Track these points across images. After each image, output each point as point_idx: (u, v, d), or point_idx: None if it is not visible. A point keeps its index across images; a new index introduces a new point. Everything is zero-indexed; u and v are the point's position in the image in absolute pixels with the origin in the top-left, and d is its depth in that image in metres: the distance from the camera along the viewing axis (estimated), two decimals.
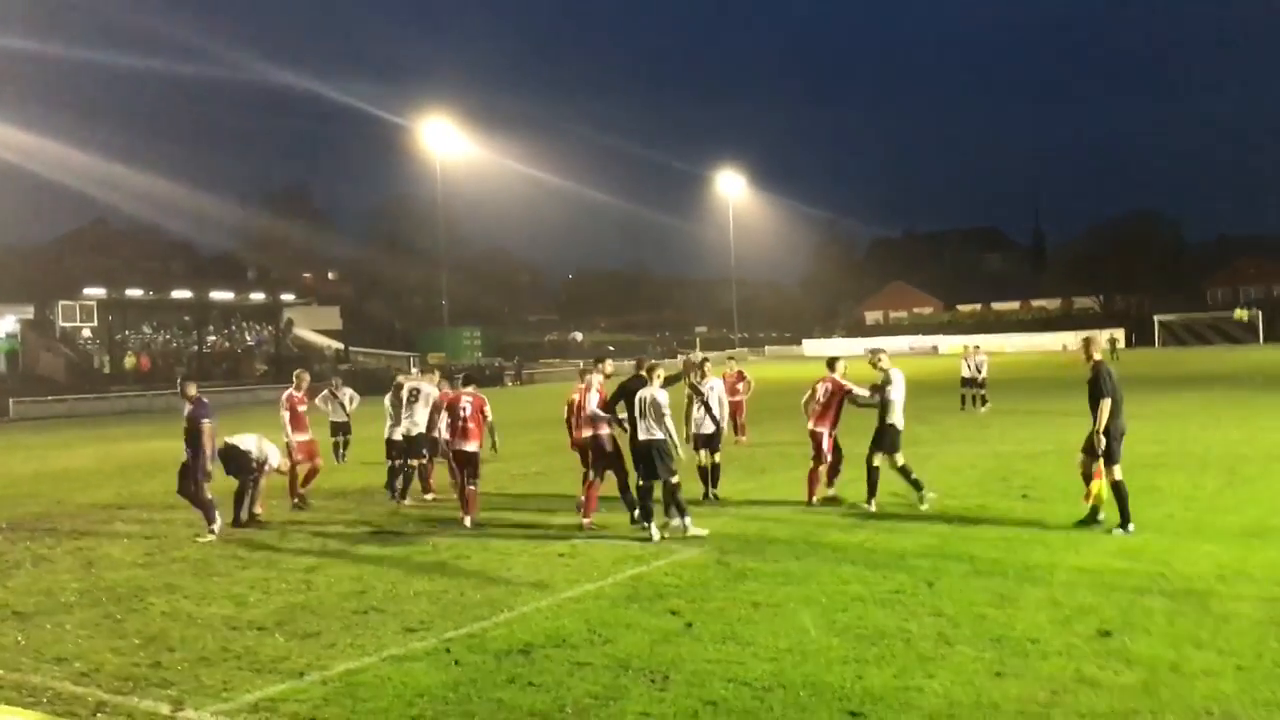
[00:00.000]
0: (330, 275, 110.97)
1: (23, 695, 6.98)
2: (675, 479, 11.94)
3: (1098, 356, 11.66)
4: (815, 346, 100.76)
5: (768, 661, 7.11)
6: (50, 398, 55.24)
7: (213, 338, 73.05)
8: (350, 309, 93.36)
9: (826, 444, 13.90)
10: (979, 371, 29.06)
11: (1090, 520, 11.42)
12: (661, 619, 8.31)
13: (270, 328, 77.09)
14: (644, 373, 12.50)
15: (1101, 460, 11.17)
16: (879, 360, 13.83)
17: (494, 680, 6.94)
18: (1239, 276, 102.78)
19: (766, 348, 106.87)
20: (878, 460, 13.26)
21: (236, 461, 14.18)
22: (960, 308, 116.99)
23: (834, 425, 13.97)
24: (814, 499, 13.82)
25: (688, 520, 11.86)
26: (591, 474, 12.95)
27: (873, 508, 13.07)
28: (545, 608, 8.84)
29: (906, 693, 6.38)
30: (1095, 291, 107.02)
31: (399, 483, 15.79)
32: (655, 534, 11.74)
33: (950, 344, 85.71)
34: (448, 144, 74.08)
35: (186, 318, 72.65)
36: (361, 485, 18.12)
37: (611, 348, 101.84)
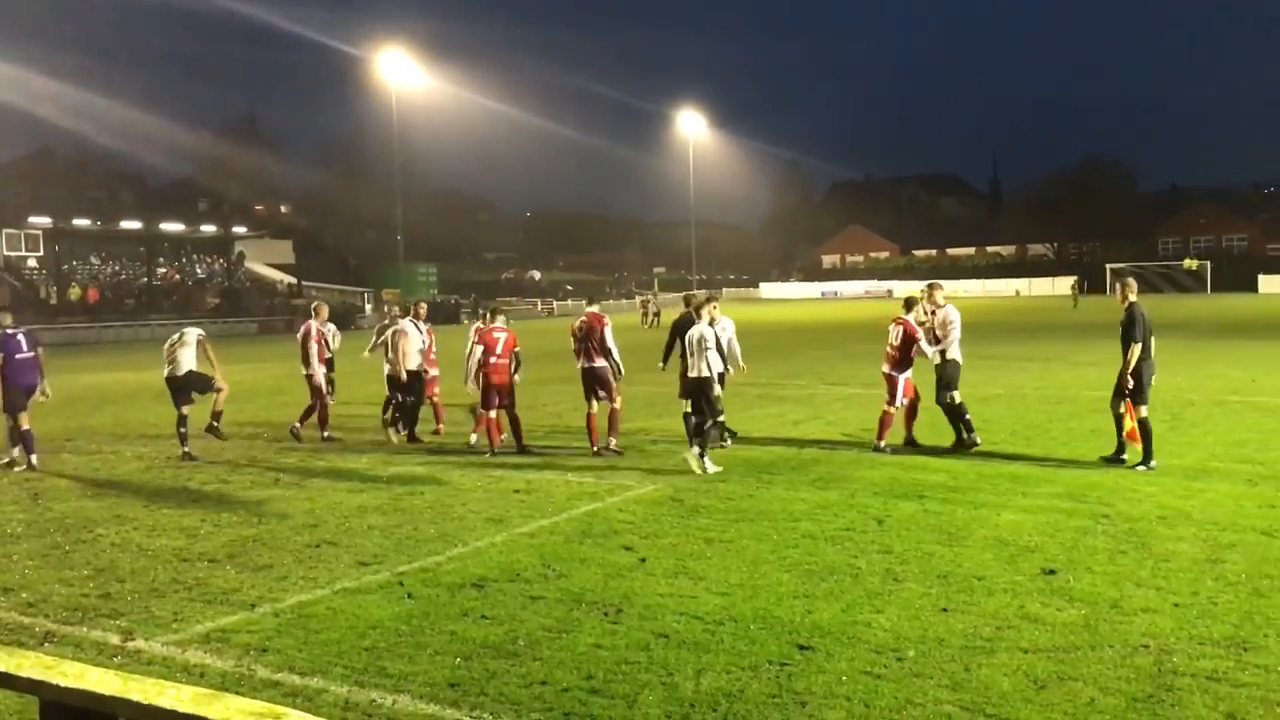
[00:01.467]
0: (283, 208, 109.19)
1: None
2: (720, 418, 12.24)
3: (1132, 299, 11.95)
4: (772, 290, 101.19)
5: (719, 596, 7.20)
6: None
7: (163, 270, 71.82)
8: (303, 243, 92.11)
9: (902, 388, 13.39)
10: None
11: (1116, 458, 11.80)
12: (615, 554, 8.38)
13: (222, 260, 75.96)
14: (693, 310, 12.67)
15: (1130, 400, 11.57)
16: (934, 296, 13.66)
17: (447, 613, 6.97)
18: (1190, 226, 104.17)
19: (724, 290, 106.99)
20: (948, 397, 13.15)
21: (201, 381, 14.44)
22: (916, 253, 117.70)
23: (908, 367, 13.53)
24: (883, 443, 13.13)
25: (707, 460, 11.86)
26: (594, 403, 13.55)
27: (979, 441, 12.97)
28: (499, 543, 8.88)
29: (855, 627, 6.50)
30: (1049, 239, 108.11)
31: (392, 416, 15.46)
32: (710, 468, 11.74)
33: (904, 289, 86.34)
34: (404, 75, 72.74)
35: (138, 249, 71.32)
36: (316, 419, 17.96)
37: (570, 286, 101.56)
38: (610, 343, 13.54)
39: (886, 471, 11.66)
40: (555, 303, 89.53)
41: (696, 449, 11.96)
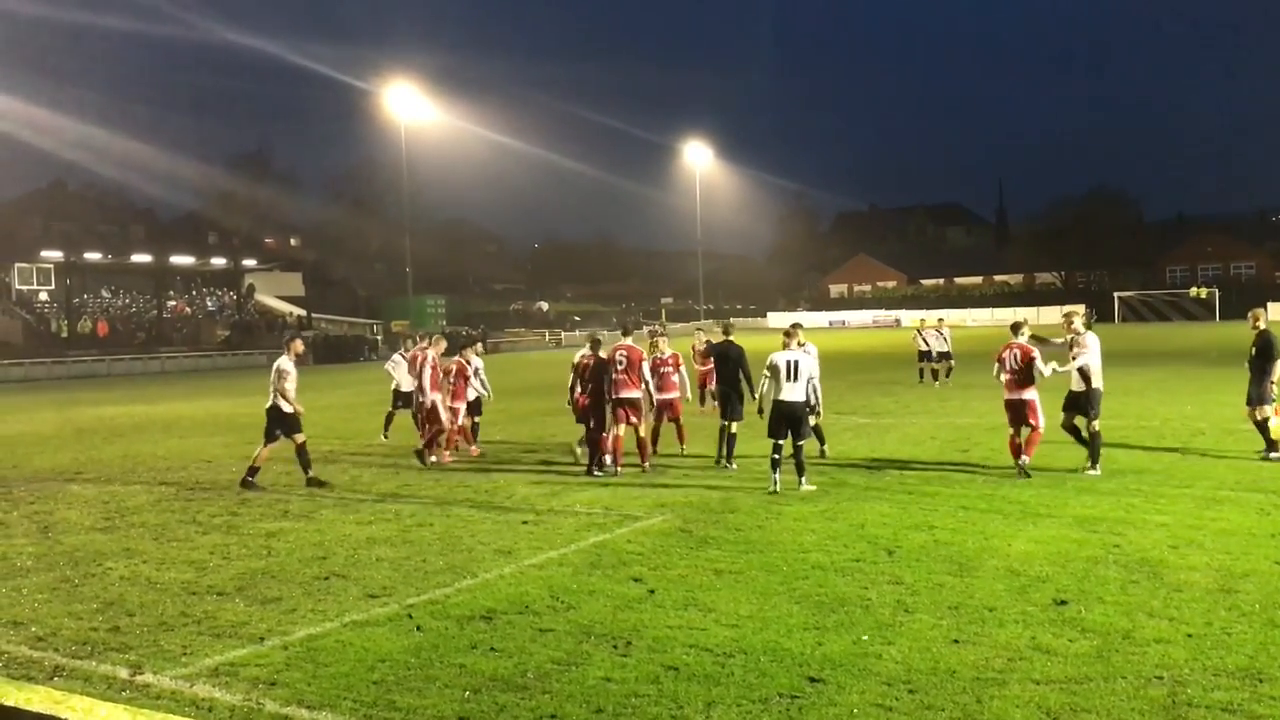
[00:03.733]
0: (293, 241, 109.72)
1: None
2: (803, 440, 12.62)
3: (1262, 325, 14.35)
4: (779, 319, 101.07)
5: (729, 628, 7.16)
6: (6, 361, 54.40)
7: (173, 302, 72.14)
8: (313, 275, 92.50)
9: (1041, 409, 13.20)
10: (945, 344, 29.37)
11: (1270, 450, 13.78)
12: (624, 586, 8.35)
13: (232, 293, 76.29)
14: (785, 337, 13.08)
15: (1263, 405, 13.97)
16: (1072, 323, 13.79)
17: (456, 646, 6.95)
18: (1196, 255, 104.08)
19: (731, 319, 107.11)
20: (1079, 422, 13.46)
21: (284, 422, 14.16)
22: (924, 282, 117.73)
23: (1033, 386, 13.24)
24: (1026, 461, 13.04)
25: (804, 480, 12.50)
26: (619, 429, 14.28)
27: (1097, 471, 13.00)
28: (508, 575, 8.86)
29: (865, 659, 6.46)
30: (1057, 267, 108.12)
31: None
32: (806, 486, 12.38)
33: (911, 318, 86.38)
34: (412, 109, 73.32)
35: (149, 283, 71.65)
36: (326, 449, 18.01)
37: (578, 318, 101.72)
38: (648, 374, 14.61)
39: (896, 501, 11.62)
40: (563, 333, 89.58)
41: (802, 478, 12.46)
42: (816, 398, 13.12)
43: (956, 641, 6.75)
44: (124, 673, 6.65)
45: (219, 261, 75.27)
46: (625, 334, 15.15)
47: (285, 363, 14.12)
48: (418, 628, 7.39)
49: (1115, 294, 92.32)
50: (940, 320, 31.61)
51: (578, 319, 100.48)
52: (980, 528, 10.11)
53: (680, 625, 7.25)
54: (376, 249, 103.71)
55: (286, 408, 13.99)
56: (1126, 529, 9.84)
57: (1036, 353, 13.25)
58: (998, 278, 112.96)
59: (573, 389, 14.93)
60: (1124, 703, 5.66)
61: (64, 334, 62.59)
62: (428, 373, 16.24)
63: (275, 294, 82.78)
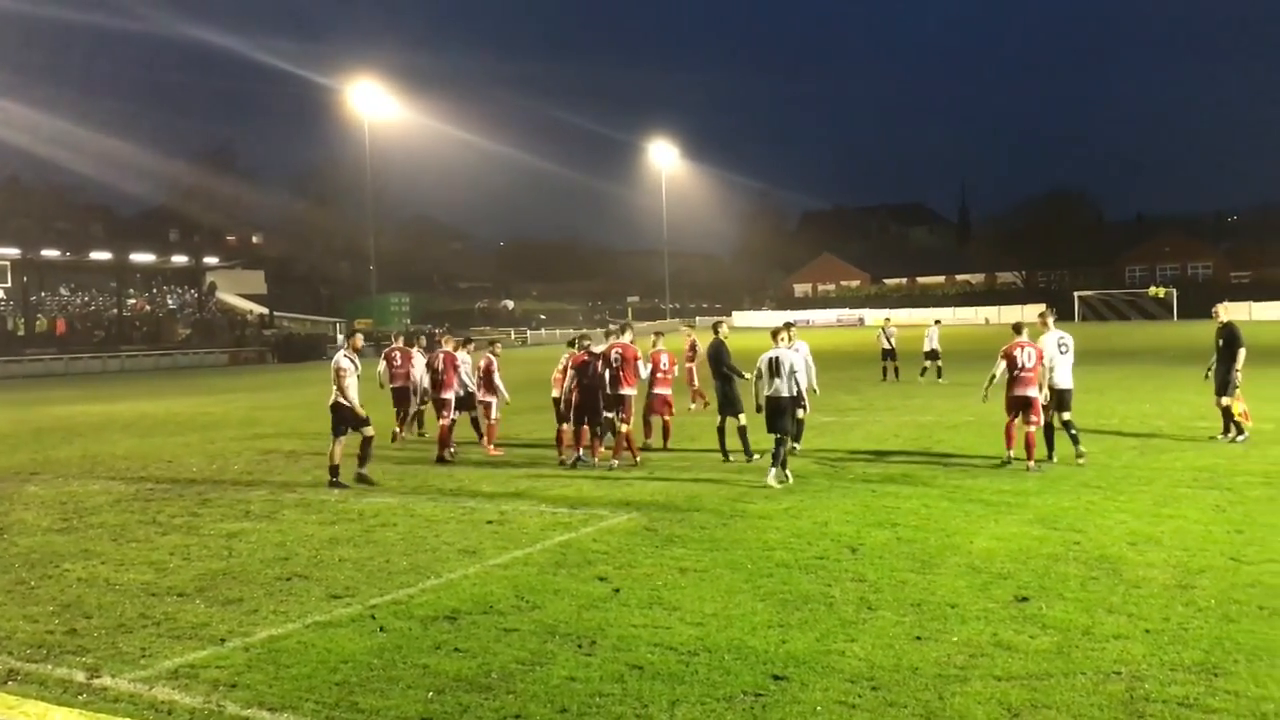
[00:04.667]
0: (255, 239, 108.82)
1: None
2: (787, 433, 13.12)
3: (1226, 319, 15.76)
4: (745, 318, 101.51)
5: (693, 626, 7.17)
6: None
7: (133, 300, 71.26)
8: (276, 273, 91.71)
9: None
10: (890, 343, 29.89)
11: (1237, 434, 15.10)
12: (589, 585, 8.34)
13: (193, 291, 75.48)
14: (773, 336, 13.58)
15: (1228, 395, 15.19)
16: (1047, 321, 14.68)
17: (420, 646, 6.91)
18: (1155, 255, 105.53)
19: (697, 318, 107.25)
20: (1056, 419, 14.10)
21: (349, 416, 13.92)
22: (887, 281, 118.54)
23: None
24: (1034, 461, 13.45)
25: (787, 472, 12.93)
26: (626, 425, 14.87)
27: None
28: (473, 575, 8.82)
29: (829, 656, 6.49)
30: (1018, 267, 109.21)
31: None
32: (775, 480, 12.67)
33: (875, 317, 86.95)
34: (376, 106, 72.87)
35: (108, 281, 70.76)
36: (289, 449, 17.87)
37: (543, 316, 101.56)
38: (644, 372, 15.26)
39: (859, 499, 11.68)
40: (529, 331, 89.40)
41: (776, 468, 12.78)
42: (803, 392, 13.90)
43: (919, 638, 6.80)
44: (81, 676, 6.56)
45: (180, 259, 74.48)
46: (621, 333, 15.57)
47: (343, 359, 13.95)
48: (381, 628, 7.34)
49: (1075, 293, 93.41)
50: (886, 320, 32.53)
51: (543, 317, 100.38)
52: (942, 525, 10.19)
53: (645, 624, 7.25)
54: (340, 246, 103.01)
55: (345, 403, 13.81)
56: (1086, 526, 9.95)
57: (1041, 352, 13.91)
58: (959, 277, 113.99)
59: (567, 386, 15.27)
60: (1084, 698, 5.73)
61: (21, 332, 61.65)
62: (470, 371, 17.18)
63: (237, 292, 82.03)
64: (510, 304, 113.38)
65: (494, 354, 17.67)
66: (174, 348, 64.07)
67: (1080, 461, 13.55)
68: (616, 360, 14.97)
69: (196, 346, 65.08)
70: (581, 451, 14.96)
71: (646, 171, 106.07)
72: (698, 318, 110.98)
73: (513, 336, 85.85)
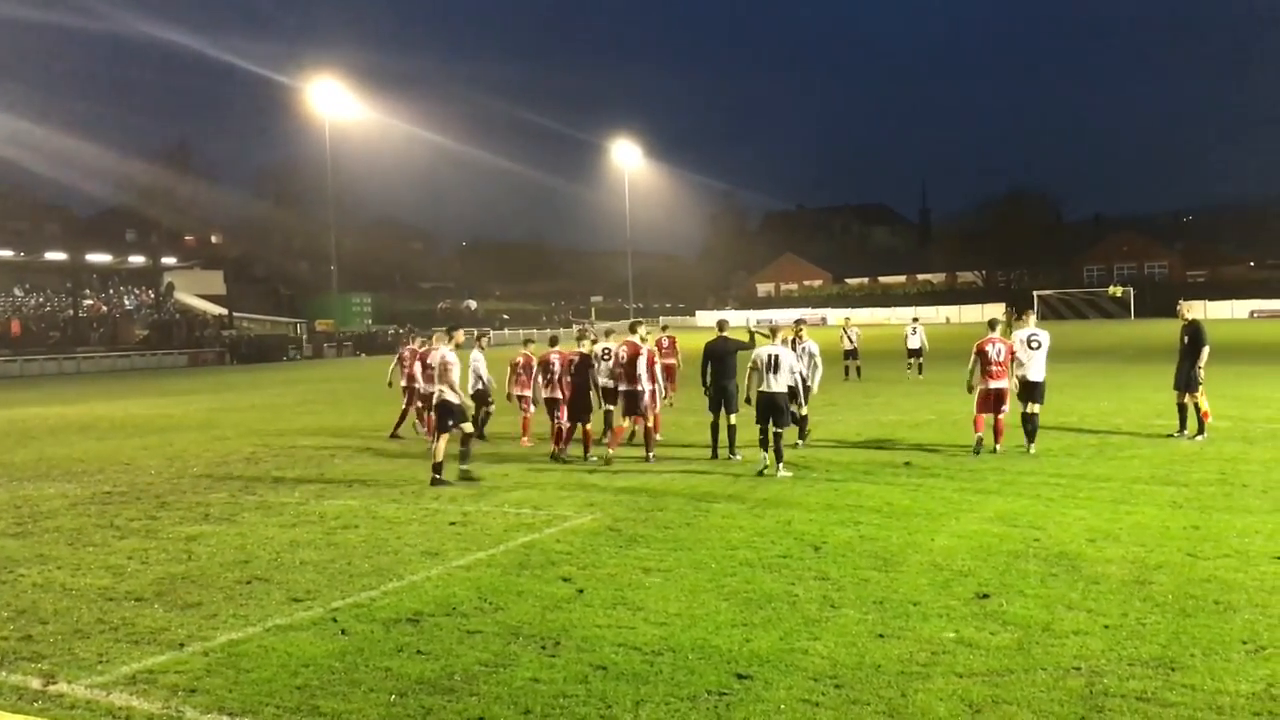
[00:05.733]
0: (214, 238, 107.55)
1: None
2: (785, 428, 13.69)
3: (1191, 316, 16.04)
4: (708, 317, 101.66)
5: (657, 626, 7.18)
6: None
7: (89, 301, 70.26)
8: (235, 273, 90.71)
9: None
10: (852, 343, 30.13)
11: (1199, 432, 15.39)
12: (553, 586, 8.32)
13: (150, 292, 74.56)
14: (767, 333, 14.27)
15: (1191, 391, 15.41)
16: (1027, 319, 15.87)
17: (382, 649, 6.86)
18: (1113, 254, 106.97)
19: (661, 318, 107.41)
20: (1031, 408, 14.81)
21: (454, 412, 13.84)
22: (849, 281, 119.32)
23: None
24: (1000, 445, 14.70)
25: (781, 466, 13.41)
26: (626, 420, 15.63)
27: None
28: (435, 576, 8.77)
29: (792, 654, 6.51)
30: (978, 266, 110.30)
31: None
32: (784, 472, 13.29)
33: (837, 316, 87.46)
34: (337, 105, 72.32)
35: (64, 282, 69.73)
36: (249, 451, 17.69)
37: (506, 316, 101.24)
38: (657, 368, 15.45)
39: (823, 497, 11.74)
40: (492, 332, 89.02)
41: (773, 457, 13.43)
42: (803, 389, 14.99)
43: (881, 636, 6.84)
44: (36, 683, 6.46)
45: (137, 259, 73.43)
46: (631, 331, 15.94)
47: (449, 354, 13.86)
48: (342, 631, 7.28)
49: (1034, 292, 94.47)
50: (847, 319, 33.20)
51: (506, 317, 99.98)
52: (904, 523, 10.26)
53: (609, 624, 7.24)
54: (300, 246, 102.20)
55: (453, 398, 13.68)
56: (1046, 524, 10.06)
57: (1016, 347, 14.97)
58: (920, 276, 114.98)
59: (549, 383, 16.00)
60: (1043, 694, 5.79)
61: None
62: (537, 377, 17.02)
63: (196, 292, 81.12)
64: (473, 304, 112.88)
65: (482, 348, 18.68)
66: (131, 349, 63.20)
67: (1032, 451, 14.43)
68: (619, 357, 15.48)
69: (154, 348, 64.22)
70: (564, 448, 15.55)
71: (610, 172, 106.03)
72: (661, 318, 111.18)
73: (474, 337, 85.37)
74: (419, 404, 18.40)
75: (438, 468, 13.68)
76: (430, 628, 7.30)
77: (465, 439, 13.97)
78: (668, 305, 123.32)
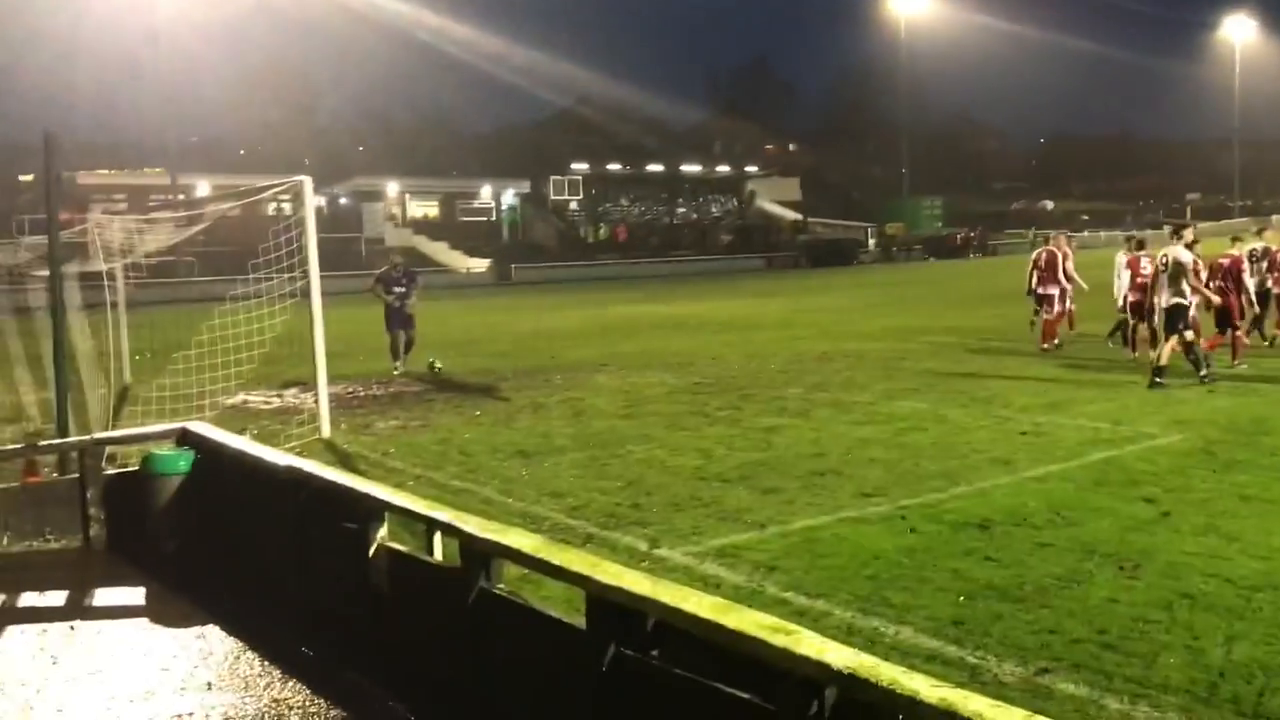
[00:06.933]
0: (791, 146, 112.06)
1: (527, 522, 7.96)
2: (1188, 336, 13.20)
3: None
4: None
5: (1257, 560, 6.46)
6: (544, 264, 61.47)
7: (682, 209, 77.06)
8: (810, 179, 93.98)
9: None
10: None
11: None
12: (1133, 505, 7.80)
13: (734, 199, 79.88)
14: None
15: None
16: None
17: (950, 550, 6.91)
18: None
19: (1274, 217, 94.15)
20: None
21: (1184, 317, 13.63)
22: None
23: None
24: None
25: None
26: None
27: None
28: (1005, 485, 8.62)
29: None
30: None
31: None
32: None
33: None
34: (912, 3, 71.34)
35: (660, 192, 77.09)
36: (821, 350, 18.49)
37: (1086, 217, 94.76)
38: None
39: None
40: (1072, 234, 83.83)
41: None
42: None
43: None
44: (643, 545, 7.38)
45: (723, 169, 79.03)
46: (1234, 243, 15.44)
47: (1184, 254, 13.42)
48: (911, 529, 7.43)
49: None
50: None
51: (1086, 218, 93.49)
52: None
53: (1198, 552, 6.65)
54: (873, 150, 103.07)
55: (1187, 301, 13.46)
56: None
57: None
58: None
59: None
60: None
61: (590, 239, 69.33)
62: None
63: (774, 199, 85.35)
64: (1049, 204, 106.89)
65: (1058, 249, 17.87)
66: (717, 253, 68.51)
67: None
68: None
69: (736, 252, 69.02)
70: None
71: (1216, 50, 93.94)
72: (1274, 216, 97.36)
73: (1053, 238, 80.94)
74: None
75: (1161, 370, 13.12)
76: (1000, 535, 7.21)
77: (1188, 346, 13.35)
78: None
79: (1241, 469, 8.77)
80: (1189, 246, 13.42)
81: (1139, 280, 15.30)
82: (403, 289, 17.70)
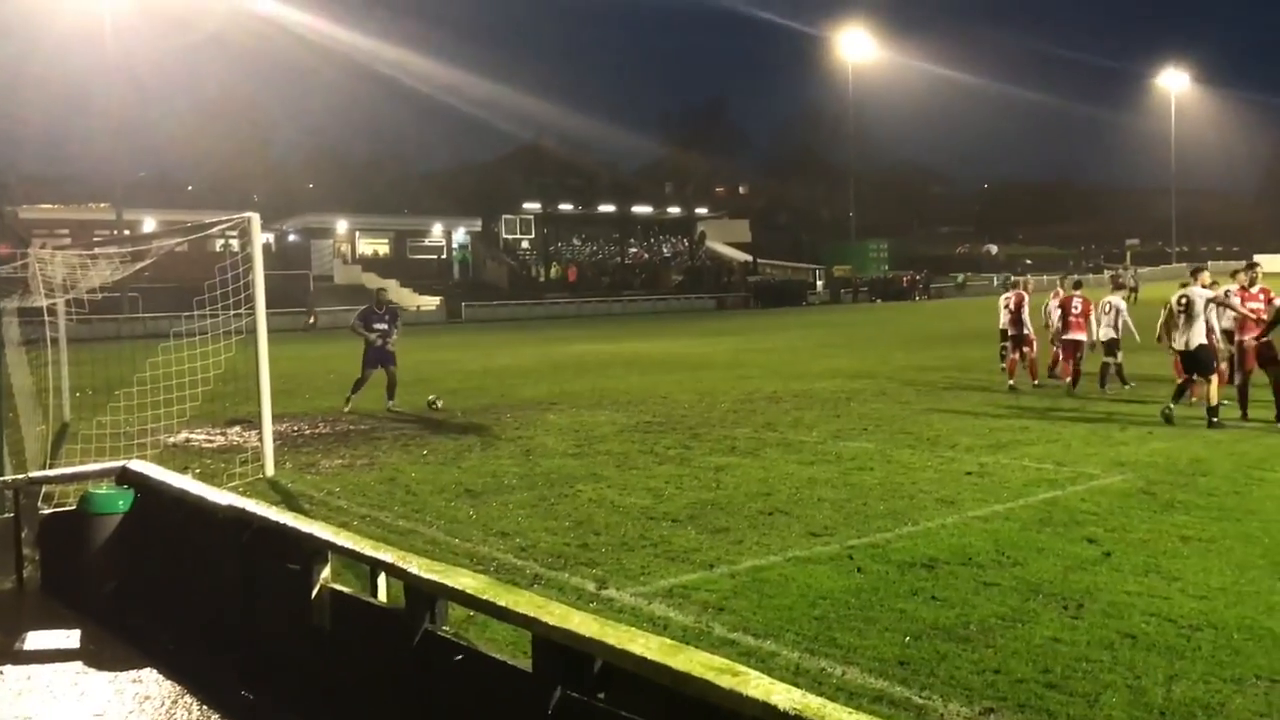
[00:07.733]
0: (741, 189, 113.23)
1: (473, 562, 7.89)
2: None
3: None
4: (1273, 263, 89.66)
5: (1196, 599, 6.56)
6: (495, 302, 61.35)
7: (633, 249, 77.45)
8: (759, 222, 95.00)
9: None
10: None
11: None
12: (1076, 545, 7.90)
13: (685, 240, 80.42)
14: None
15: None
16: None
17: (897, 590, 6.95)
18: None
19: (1209, 263, 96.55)
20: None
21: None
22: None
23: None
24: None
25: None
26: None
27: None
28: (950, 525, 8.69)
29: None
30: None
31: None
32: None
33: None
34: (860, 51, 72.71)
35: (612, 232, 77.43)
36: (770, 390, 18.60)
37: (1029, 261, 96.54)
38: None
39: None
40: (1014, 278, 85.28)
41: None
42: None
43: None
44: (591, 586, 7.33)
45: (674, 210, 79.63)
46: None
47: (1206, 292, 13.60)
48: (858, 569, 7.46)
49: None
50: None
51: (1029, 262, 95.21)
52: None
53: (1140, 592, 6.74)
54: (821, 194, 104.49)
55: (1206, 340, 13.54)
56: None
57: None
58: None
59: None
60: None
61: (541, 279, 69.37)
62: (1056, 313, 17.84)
63: (724, 240, 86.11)
64: (994, 249, 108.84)
65: (1025, 291, 18.76)
66: (668, 293, 68.85)
67: None
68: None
69: (687, 292, 69.43)
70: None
71: (1151, 100, 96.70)
72: (1208, 262, 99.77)
73: (994, 283, 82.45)
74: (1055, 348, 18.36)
75: (1214, 410, 13.21)
76: (945, 575, 7.26)
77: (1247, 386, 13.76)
78: (1218, 249, 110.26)
79: (1181, 509, 8.92)
80: (1207, 287, 13.72)
81: (1071, 318, 17.12)
82: (384, 326, 17.57)
